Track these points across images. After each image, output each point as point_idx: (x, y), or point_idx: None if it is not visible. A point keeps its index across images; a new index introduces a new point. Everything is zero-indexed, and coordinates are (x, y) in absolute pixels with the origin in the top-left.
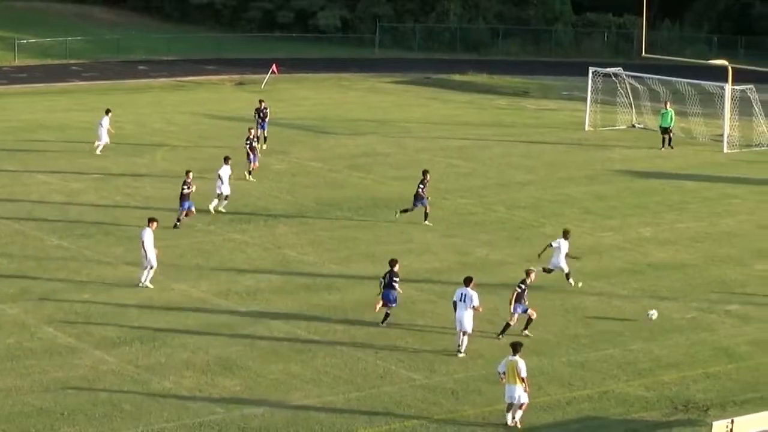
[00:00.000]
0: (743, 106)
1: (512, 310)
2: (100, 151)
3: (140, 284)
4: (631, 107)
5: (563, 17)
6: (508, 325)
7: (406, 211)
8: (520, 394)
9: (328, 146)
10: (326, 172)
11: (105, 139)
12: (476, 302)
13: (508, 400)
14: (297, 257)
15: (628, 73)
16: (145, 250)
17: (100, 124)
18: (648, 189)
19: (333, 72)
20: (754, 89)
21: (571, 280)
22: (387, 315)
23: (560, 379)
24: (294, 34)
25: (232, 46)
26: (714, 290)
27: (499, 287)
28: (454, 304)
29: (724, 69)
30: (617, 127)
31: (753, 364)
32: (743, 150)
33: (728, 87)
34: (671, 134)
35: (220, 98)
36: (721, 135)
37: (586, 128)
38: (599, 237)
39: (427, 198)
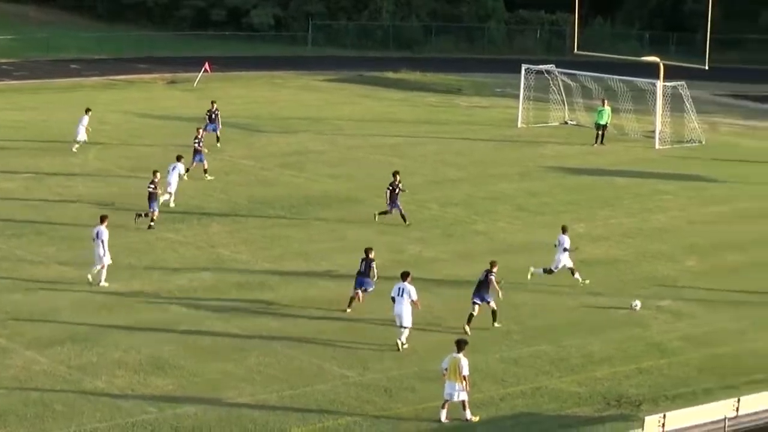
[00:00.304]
0: (675, 103)
1: (472, 300)
2: (76, 149)
3: (99, 284)
4: (564, 104)
5: (496, 14)
6: (471, 315)
7: (384, 213)
8: (459, 391)
9: (261, 144)
10: (259, 170)
11: (83, 137)
12: (414, 296)
13: (446, 397)
14: (230, 256)
15: (560, 70)
16: (104, 249)
17: (80, 123)
18: (580, 185)
19: (266, 70)
20: (685, 86)
21: (577, 275)
22: (353, 299)
23: (494, 376)
24: (227, 33)
25: (165, 45)
26: (646, 286)
27: (431, 284)
28: (393, 299)
29: (656, 66)
30: (550, 124)
31: (684, 359)
32: (675, 146)
33: (660, 83)
34: (605, 131)
35: (152, 97)
36: (653, 131)
37: (519, 125)
38: (532, 233)
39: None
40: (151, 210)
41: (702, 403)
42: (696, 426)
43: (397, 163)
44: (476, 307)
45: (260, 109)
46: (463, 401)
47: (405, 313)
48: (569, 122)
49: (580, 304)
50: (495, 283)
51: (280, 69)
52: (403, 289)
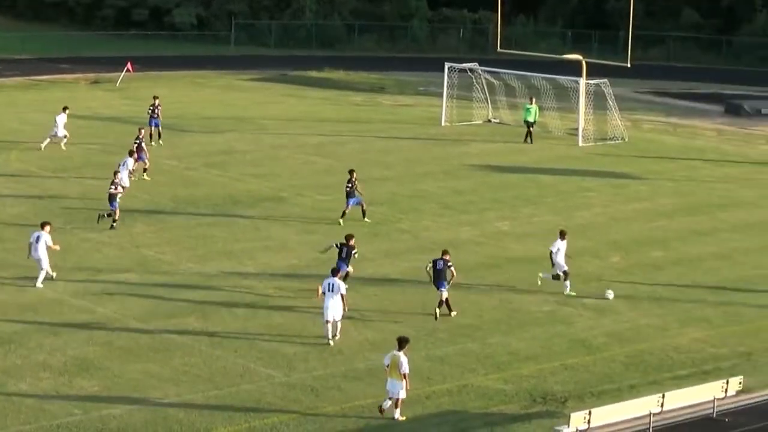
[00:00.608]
0: (597, 100)
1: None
2: (45, 147)
3: (36, 285)
4: (487, 102)
5: (419, 13)
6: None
7: (344, 214)
8: (399, 389)
9: (185, 144)
10: (183, 170)
11: (63, 133)
12: (343, 290)
13: (389, 394)
14: (154, 256)
15: (483, 68)
16: (44, 253)
17: (56, 121)
18: (505, 183)
19: (189, 69)
20: (608, 83)
21: (567, 282)
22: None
23: (419, 374)
24: (149, 32)
25: (87, 45)
26: (571, 282)
27: (357, 282)
28: (323, 293)
29: (579, 63)
30: (473, 122)
31: (609, 356)
32: (598, 144)
33: (582, 81)
34: (532, 129)
35: (75, 97)
36: (576, 129)
37: (443, 123)
38: (457, 231)
39: (361, 195)
40: (113, 209)
41: (627, 399)
42: (621, 422)
43: (321, 162)
44: (443, 293)
45: (184, 108)
46: (398, 399)
47: (335, 307)
48: (493, 120)
49: (506, 301)
50: (453, 269)
51: (203, 68)
52: (333, 284)
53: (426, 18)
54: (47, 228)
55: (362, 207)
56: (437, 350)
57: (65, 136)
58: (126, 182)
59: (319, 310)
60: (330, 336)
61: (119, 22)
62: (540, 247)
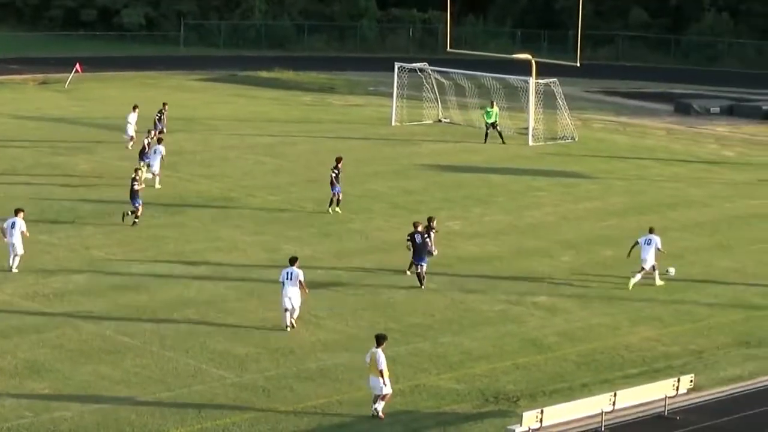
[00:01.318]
0: (547, 100)
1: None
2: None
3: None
4: (437, 102)
5: (368, 13)
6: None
7: (332, 202)
8: (381, 385)
9: (135, 145)
10: (132, 171)
11: (131, 133)
12: (302, 278)
13: (372, 391)
14: (105, 257)
15: (433, 68)
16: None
17: (128, 122)
18: (455, 183)
19: (138, 70)
20: (557, 83)
21: (656, 272)
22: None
23: None
24: (97, 33)
25: (35, 45)
26: (522, 282)
27: (308, 283)
28: (282, 283)
29: (528, 63)
30: (424, 122)
31: (561, 355)
32: (548, 143)
33: (532, 81)
34: (489, 130)
35: (23, 98)
36: (526, 128)
37: (393, 123)
38: (408, 232)
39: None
40: (136, 206)
41: (579, 397)
42: (573, 420)
43: (271, 162)
44: (422, 266)
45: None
46: (378, 396)
47: (294, 295)
48: (443, 120)
49: (457, 301)
50: (433, 240)
51: (152, 69)
52: (291, 273)
53: (375, 18)
54: (21, 214)
55: (338, 197)
56: (389, 350)
57: (132, 137)
58: (157, 168)
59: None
60: (288, 323)
61: (67, 23)
62: (490, 246)
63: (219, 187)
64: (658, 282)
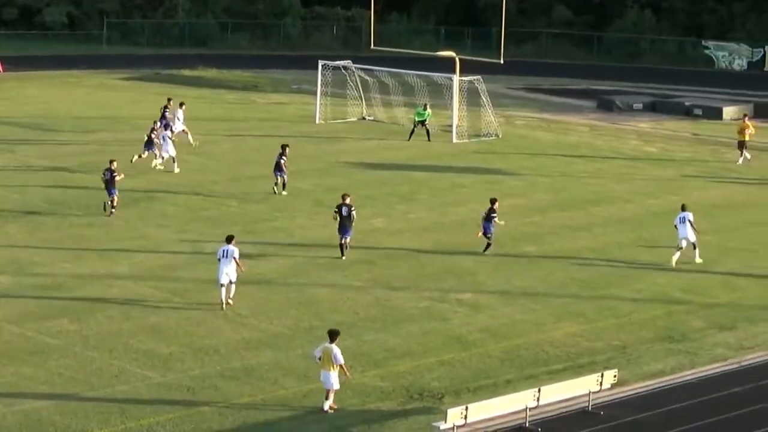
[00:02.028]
0: (471, 97)
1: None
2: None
3: None
4: (362, 100)
5: (291, 11)
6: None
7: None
8: (334, 380)
9: (58, 144)
10: (55, 170)
11: (180, 128)
12: (237, 255)
13: (324, 386)
14: (28, 257)
15: (357, 66)
16: None
17: (177, 118)
18: (379, 180)
19: (61, 69)
20: (481, 80)
21: (697, 251)
22: (488, 245)
23: (296, 372)
24: (19, 31)
25: None
26: (446, 279)
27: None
28: (219, 260)
29: (452, 60)
30: (348, 120)
31: (485, 351)
32: (472, 140)
33: (456, 78)
34: (417, 128)
35: None
36: (450, 126)
37: (317, 121)
38: (331, 229)
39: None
40: (112, 196)
41: (503, 393)
42: (498, 416)
43: (195, 161)
44: (346, 238)
45: (56, 108)
46: (329, 390)
47: (230, 271)
48: (367, 118)
49: (381, 298)
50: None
51: (75, 68)
52: (227, 250)
53: (299, 16)
54: None
55: (284, 181)
56: (314, 348)
57: (184, 131)
58: (172, 151)
59: (193, 308)
60: (224, 299)
61: None
62: (415, 243)
63: (143, 186)
64: (698, 260)
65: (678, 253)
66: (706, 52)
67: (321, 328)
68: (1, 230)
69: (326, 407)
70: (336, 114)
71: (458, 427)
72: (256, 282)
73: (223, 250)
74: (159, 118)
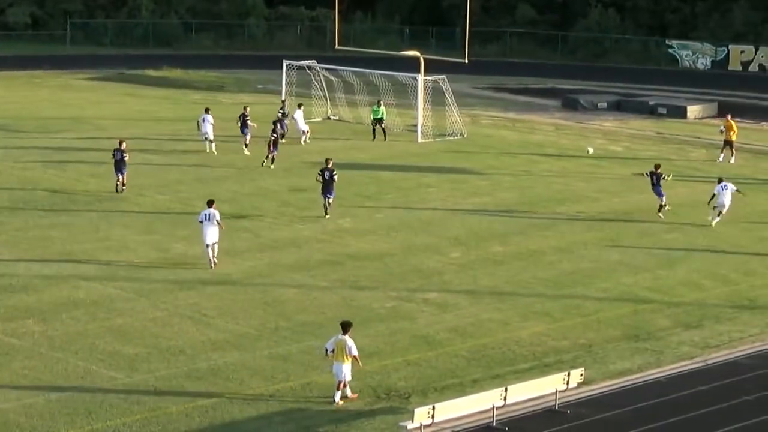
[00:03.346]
0: (436, 97)
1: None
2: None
3: None
4: (326, 99)
5: (256, 11)
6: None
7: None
8: (347, 371)
9: (21, 145)
10: (19, 170)
11: (210, 133)
12: (218, 217)
13: (335, 377)
14: None
15: (321, 65)
16: None
17: (294, 119)
18: (345, 180)
19: (24, 69)
20: (446, 79)
21: (719, 217)
22: (661, 206)
23: (263, 373)
24: None
25: None
26: (413, 279)
27: (197, 283)
28: (201, 222)
29: (417, 60)
30: (313, 120)
31: (452, 351)
32: (437, 140)
33: (421, 78)
34: (377, 126)
35: None
36: (415, 125)
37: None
38: (298, 229)
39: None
40: (122, 176)
41: (470, 393)
42: (465, 416)
43: (160, 161)
44: (329, 198)
45: (19, 109)
46: (341, 382)
47: (214, 233)
48: (332, 117)
49: (348, 298)
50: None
51: (38, 68)
52: (209, 214)
53: (263, 16)
54: None
55: (274, 156)
56: (280, 348)
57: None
58: (211, 134)
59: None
60: (212, 258)
61: None
62: (381, 243)
63: (108, 187)
64: (714, 222)
65: (718, 217)
66: (670, 51)
67: (287, 329)
68: None
69: (337, 399)
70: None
71: (425, 426)
72: (222, 282)
73: (206, 214)
74: (274, 120)
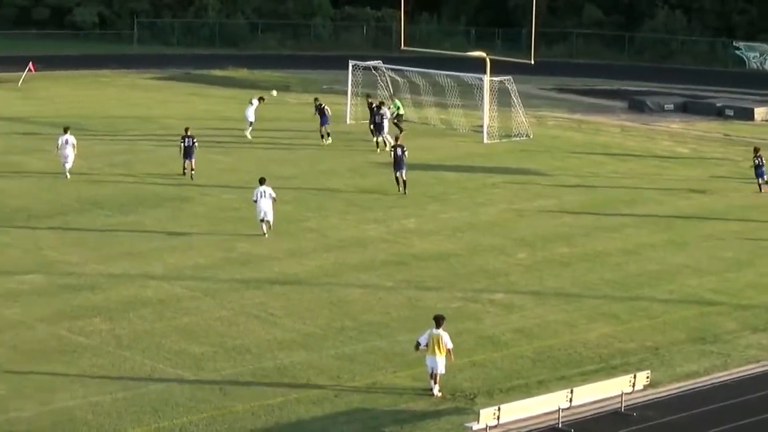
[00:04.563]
0: (502, 97)
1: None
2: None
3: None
4: (392, 100)
5: (322, 11)
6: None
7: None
8: (441, 364)
9: (88, 144)
10: (87, 170)
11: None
12: (274, 195)
13: (430, 370)
14: (59, 257)
15: (387, 66)
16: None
17: (386, 117)
18: (410, 181)
19: (91, 69)
20: (512, 80)
21: None
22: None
23: (328, 372)
24: (50, 31)
25: None
26: (478, 280)
27: (264, 282)
28: (255, 201)
29: (483, 61)
30: None
31: (517, 352)
32: (503, 140)
33: (487, 78)
34: (399, 124)
35: None
36: (481, 126)
37: (348, 121)
38: (363, 229)
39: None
40: (188, 160)
41: (536, 394)
42: (530, 417)
43: (225, 161)
44: (401, 173)
45: (86, 108)
46: (437, 375)
47: (269, 208)
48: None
49: (413, 299)
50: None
51: (105, 67)
52: (264, 191)
53: (329, 16)
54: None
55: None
56: (346, 348)
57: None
58: (252, 118)
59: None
60: (265, 230)
61: (20, 21)
62: (446, 244)
63: (174, 187)
64: None
65: None
66: (737, 52)
67: (352, 329)
68: (34, 230)
69: (436, 391)
70: (367, 114)
71: (491, 427)
72: (288, 282)
73: (260, 191)
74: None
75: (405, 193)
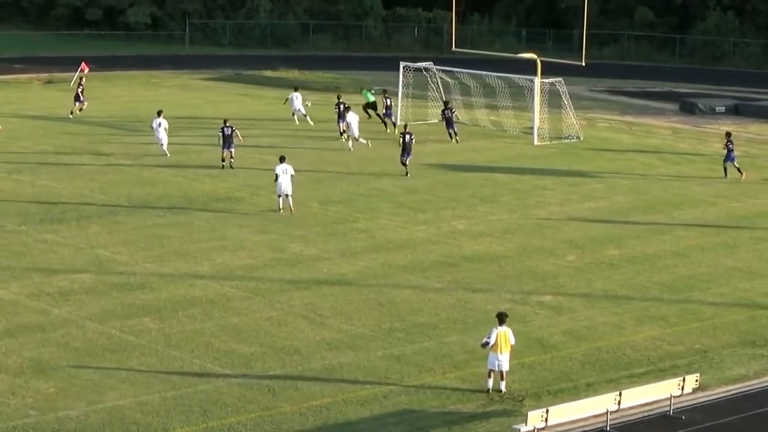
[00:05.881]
0: (552, 99)
1: None
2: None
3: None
4: (443, 101)
5: (373, 12)
6: None
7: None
8: (505, 361)
9: (140, 144)
10: (138, 169)
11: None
12: (292, 172)
13: (490, 367)
14: (110, 257)
15: (438, 67)
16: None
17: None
18: (460, 182)
19: (143, 69)
20: (563, 82)
21: None
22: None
23: (377, 373)
24: (103, 32)
25: (40, 44)
26: (527, 281)
27: (313, 282)
28: (276, 176)
29: (533, 62)
30: (429, 121)
31: (566, 354)
32: (553, 142)
33: (537, 80)
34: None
35: (29, 97)
36: (531, 128)
37: (399, 122)
38: (413, 231)
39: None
40: (227, 150)
41: (584, 397)
42: (579, 420)
43: (274, 160)
44: (407, 158)
45: (138, 108)
46: (503, 372)
47: (289, 184)
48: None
49: (462, 300)
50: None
51: (157, 68)
52: (286, 168)
53: (381, 17)
54: (162, 114)
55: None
56: (394, 349)
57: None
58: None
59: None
60: (281, 207)
61: (73, 22)
62: (496, 245)
63: (224, 187)
64: None
65: None
66: None
67: (401, 330)
68: (85, 229)
69: (503, 387)
70: (417, 115)
71: (539, 429)
72: (337, 283)
73: (283, 168)
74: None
75: (408, 175)
